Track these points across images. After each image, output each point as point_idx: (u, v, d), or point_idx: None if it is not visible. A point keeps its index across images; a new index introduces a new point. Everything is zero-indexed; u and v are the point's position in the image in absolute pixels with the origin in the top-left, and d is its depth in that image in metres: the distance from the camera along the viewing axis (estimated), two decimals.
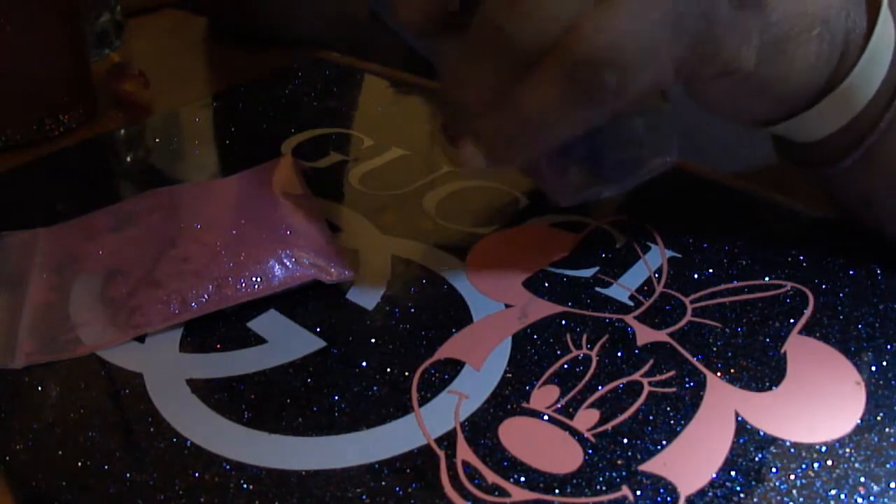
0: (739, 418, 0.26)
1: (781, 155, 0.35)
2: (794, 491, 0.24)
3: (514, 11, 0.24)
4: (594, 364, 0.28)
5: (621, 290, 0.32)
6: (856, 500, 0.24)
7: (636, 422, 0.26)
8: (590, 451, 0.25)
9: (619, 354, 0.29)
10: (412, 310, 0.31)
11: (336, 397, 0.27)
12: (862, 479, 0.24)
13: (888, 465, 0.25)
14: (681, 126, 0.32)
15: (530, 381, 0.28)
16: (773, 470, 0.24)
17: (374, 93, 0.52)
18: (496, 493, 0.24)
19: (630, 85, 0.24)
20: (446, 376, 0.28)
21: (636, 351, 0.29)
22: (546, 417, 0.26)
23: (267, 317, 0.31)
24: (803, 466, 0.25)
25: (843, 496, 0.24)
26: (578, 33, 0.23)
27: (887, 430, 0.26)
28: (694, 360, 0.28)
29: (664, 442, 0.25)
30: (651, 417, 0.26)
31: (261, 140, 0.44)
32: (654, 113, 0.30)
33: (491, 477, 0.24)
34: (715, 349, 0.29)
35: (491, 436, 0.26)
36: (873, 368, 0.28)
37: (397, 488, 0.24)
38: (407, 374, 0.28)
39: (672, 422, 0.26)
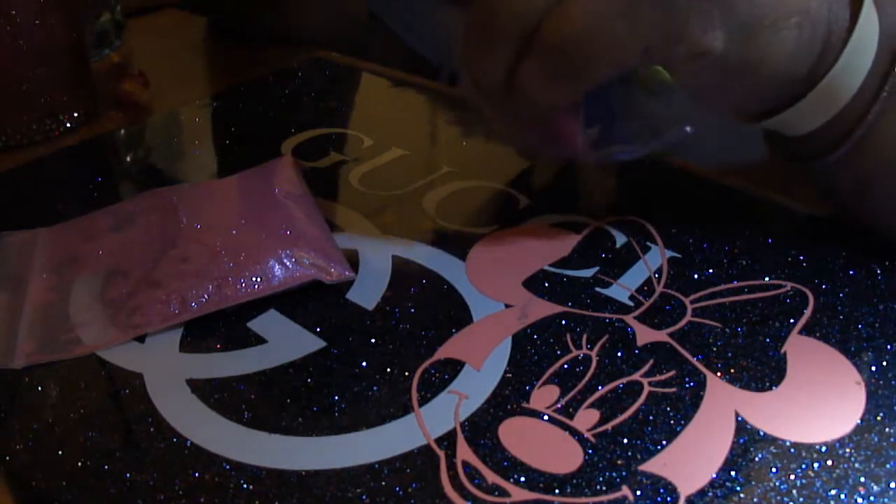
0: (739, 418, 0.26)
1: (773, 150, 0.35)
2: (794, 491, 0.24)
3: None
4: (594, 364, 0.28)
5: (621, 290, 0.32)
6: (856, 500, 0.24)
7: (636, 422, 0.26)
8: (590, 451, 0.25)
9: (619, 354, 0.29)
10: (412, 310, 0.31)
11: (336, 397, 0.27)
12: (862, 479, 0.24)
13: (888, 465, 0.25)
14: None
15: (530, 381, 0.28)
16: (773, 470, 0.24)
17: (374, 92, 0.52)
18: (496, 493, 0.24)
19: (595, 66, 0.28)
20: (446, 376, 0.28)
21: (636, 351, 0.29)
22: (546, 417, 0.26)
23: (267, 317, 0.31)
24: (803, 466, 0.25)
25: (843, 496, 0.24)
26: (548, 22, 0.27)
27: (887, 430, 0.26)
28: (694, 360, 0.28)
29: (664, 442, 0.25)
30: (651, 417, 0.26)
31: (261, 140, 0.44)
32: (662, 87, 0.33)
33: (491, 477, 0.24)
34: (715, 349, 0.29)
35: (491, 436, 0.26)
36: (873, 368, 0.28)
37: (397, 488, 0.24)
38: (407, 374, 0.28)
39: (672, 422, 0.26)
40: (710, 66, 0.29)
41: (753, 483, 0.24)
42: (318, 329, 0.30)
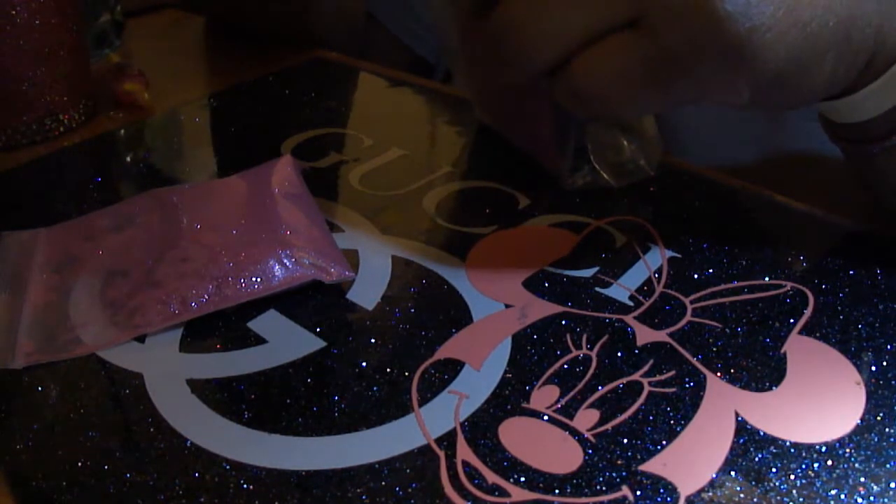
0: (739, 418, 0.26)
1: (827, 131, 0.35)
2: (794, 491, 0.24)
3: (519, 34, 0.27)
4: (594, 364, 0.28)
5: (621, 290, 0.32)
6: (856, 500, 0.24)
7: (636, 422, 0.26)
8: (590, 451, 0.25)
9: (619, 354, 0.29)
10: (412, 310, 0.31)
11: (336, 397, 0.27)
12: (862, 479, 0.24)
13: (888, 465, 0.25)
14: (668, 125, 0.35)
15: (530, 381, 0.28)
16: (773, 470, 0.24)
17: (374, 92, 0.52)
18: (496, 493, 0.24)
19: (614, 113, 0.29)
20: (446, 376, 0.28)
21: (636, 351, 0.29)
22: (546, 417, 0.26)
23: (267, 317, 0.31)
24: (803, 466, 0.25)
25: (843, 496, 0.24)
26: (573, 67, 0.27)
27: (887, 430, 0.26)
28: (694, 360, 0.28)
29: (664, 442, 0.25)
30: (651, 417, 0.26)
31: (261, 140, 0.44)
32: (636, 133, 0.37)
33: (491, 477, 0.24)
34: (715, 349, 0.29)
35: (491, 436, 0.26)
36: (873, 368, 0.28)
37: (397, 488, 0.24)
38: (407, 374, 0.28)
39: (672, 422, 0.26)
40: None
41: (753, 483, 0.24)
42: (318, 329, 0.30)
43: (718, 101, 0.28)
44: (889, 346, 0.29)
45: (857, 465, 0.25)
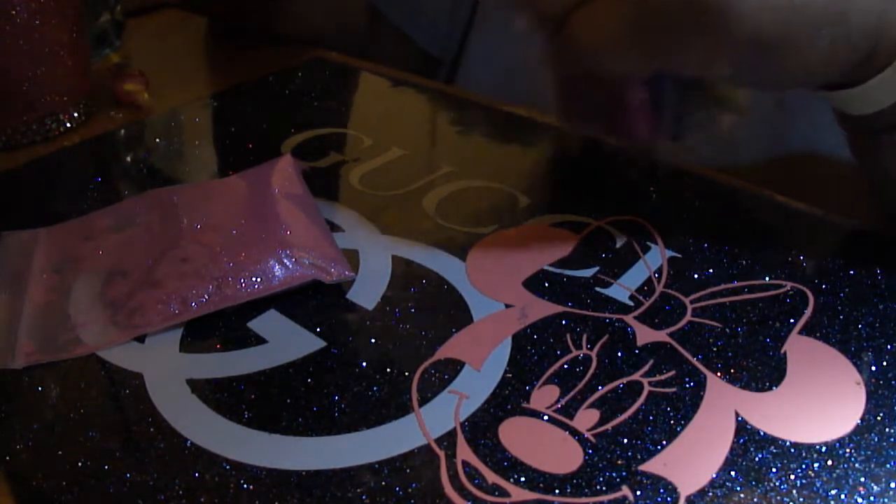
0: (739, 418, 0.26)
1: (840, 121, 0.35)
2: (794, 491, 0.24)
3: None
4: (594, 364, 0.28)
5: (621, 290, 0.32)
6: (856, 500, 0.24)
7: (636, 422, 0.26)
8: (590, 451, 0.25)
9: (619, 354, 0.29)
10: (412, 310, 0.31)
11: (336, 397, 0.27)
12: (862, 479, 0.24)
13: (888, 465, 0.25)
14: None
15: (530, 381, 0.28)
16: (773, 470, 0.24)
17: (374, 92, 0.52)
18: (496, 493, 0.24)
19: (605, 68, 0.29)
20: (446, 376, 0.28)
21: (636, 351, 0.29)
22: (546, 417, 0.26)
23: (267, 317, 0.31)
24: (803, 466, 0.25)
25: (843, 496, 0.24)
26: (569, 21, 0.28)
27: (887, 430, 0.26)
28: (694, 360, 0.28)
29: (664, 442, 0.25)
30: (651, 417, 0.26)
31: (261, 140, 0.44)
32: (730, 106, 0.35)
33: (491, 477, 0.24)
34: (715, 349, 0.29)
35: (491, 436, 0.26)
36: (873, 368, 0.28)
37: (397, 488, 0.24)
38: (407, 374, 0.28)
39: (672, 422, 0.26)
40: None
41: (753, 483, 0.24)
42: (318, 329, 0.30)
43: (701, 71, 0.29)
44: (889, 346, 0.29)
45: (857, 465, 0.25)
